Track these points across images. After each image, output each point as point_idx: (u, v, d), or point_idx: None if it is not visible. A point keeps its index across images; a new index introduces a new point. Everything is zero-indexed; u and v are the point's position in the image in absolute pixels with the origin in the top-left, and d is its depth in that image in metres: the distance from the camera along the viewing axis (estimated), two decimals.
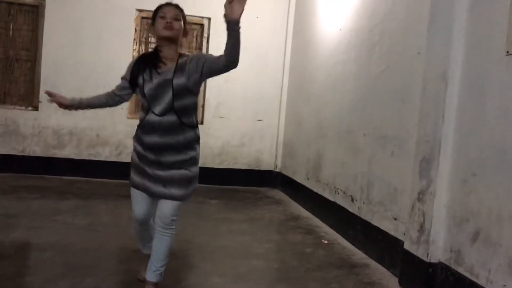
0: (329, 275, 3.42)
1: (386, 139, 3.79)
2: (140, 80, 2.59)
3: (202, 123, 6.72)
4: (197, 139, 2.67)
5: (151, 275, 2.68)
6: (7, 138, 6.31)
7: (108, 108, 7.10)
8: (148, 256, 2.82)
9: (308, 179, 5.65)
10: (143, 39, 6.68)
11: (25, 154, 6.34)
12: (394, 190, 3.61)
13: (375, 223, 3.84)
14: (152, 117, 2.55)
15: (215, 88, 6.65)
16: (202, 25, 6.74)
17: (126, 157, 6.61)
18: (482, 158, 2.65)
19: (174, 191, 2.60)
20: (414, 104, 3.35)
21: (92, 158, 6.51)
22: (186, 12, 5.97)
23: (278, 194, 6.52)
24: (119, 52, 6.50)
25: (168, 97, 2.52)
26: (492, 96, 2.61)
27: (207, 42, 6.71)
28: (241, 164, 6.88)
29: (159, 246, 2.65)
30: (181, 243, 3.90)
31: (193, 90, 2.58)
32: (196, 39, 6.79)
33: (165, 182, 2.60)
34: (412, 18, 3.55)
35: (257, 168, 6.94)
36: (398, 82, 3.69)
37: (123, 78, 2.76)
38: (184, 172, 2.61)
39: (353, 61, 4.58)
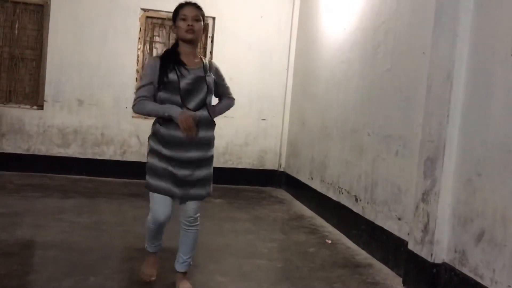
0: (333, 275, 3.42)
1: (390, 139, 3.78)
2: (174, 76, 2.61)
3: None
4: (214, 138, 2.84)
5: (180, 266, 2.87)
6: (12, 137, 6.33)
7: (112, 107, 7.14)
8: (150, 253, 2.99)
9: (312, 178, 5.64)
10: (148, 39, 6.69)
11: (30, 153, 6.36)
12: (398, 190, 3.60)
13: (379, 223, 3.83)
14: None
15: None
16: (206, 24, 6.74)
17: (131, 156, 6.66)
18: (487, 158, 2.63)
19: (200, 191, 2.74)
20: (418, 104, 3.33)
21: (97, 157, 6.53)
22: None
23: (282, 193, 6.52)
24: (124, 51, 6.52)
25: (203, 92, 2.66)
26: (497, 96, 2.60)
27: (212, 41, 6.71)
28: (245, 163, 6.88)
29: (186, 241, 2.82)
30: None
31: (215, 90, 2.81)
32: (201, 38, 6.78)
33: (192, 183, 2.70)
34: (417, 18, 3.54)
35: (261, 168, 6.94)
36: (402, 82, 3.68)
37: (149, 84, 2.66)
38: (208, 171, 2.76)
39: (357, 60, 4.57)
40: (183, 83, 2.61)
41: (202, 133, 2.69)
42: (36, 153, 6.38)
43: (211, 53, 6.70)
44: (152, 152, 2.73)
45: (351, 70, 4.70)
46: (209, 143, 2.75)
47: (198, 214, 2.82)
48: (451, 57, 2.91)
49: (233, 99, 2.94)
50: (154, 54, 6.72)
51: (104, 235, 3.94)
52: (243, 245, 4.03)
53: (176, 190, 2.68)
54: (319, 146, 5.50)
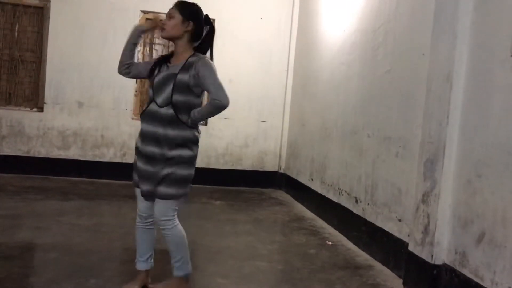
0: (333, 277, 3.41)
1: (390, 140, 3.78)
2: (156, 72, 2.70)
3: (206, 123, 6.72)
4: (194, 140, 2.67)
5: (173, 271, 2.80)
6: (12, 139, 6.34)
7: (112, 109, 7.14)
8: (140, 272, 2.86)
9: (312, 180, 5.64)
10: (148, 41, 6.70)
11: (30, 155, 6.37)
12: (398, 191, 3.60)
13: (380, 224, 3.83)
14: (153, 106, 2.63)
15: None
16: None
17: (131, 158, 6.58)
18: (486, 159, 2.63)
19: (162, 189, 2.61)
20: (418, 105, 3.34)
21: (97, 159, 6.53)
22: None
23: (282, 195, 6.51)
24: None
25: (169, 89, 2.60)
26: (497, 97, 2.60)
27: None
28: (245, 165, 6.88)
29: (168, 244, 2.74)
30: None
31: (193, 90, 2.64)
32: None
33: (155, 181, 2.62)
34: (416, 19, 3.54)
35: (261, 169, 6.94)
36: (402, 83, 3.68)
37: (145, 62, 2.91)
38: (174, 170, 2.61)
39: (357, 61, 4.57)
40: (156, 78, 2.66)
41: (163, 130, 2.58)
42: (36, 155, 6.38)
43: (211, 54, 6.70)
44: (135, 144, 2.77)
45: (351, 71, 4.70)
46: (171, 142, 2.59)
47: (165, 218, 2.65)
48: (450, 58, 2.92)
49: (215, 102, 2.59)
50: (154, 56, 6.73)
51: (105, 237, 3.94)
52: (243, 247, 4.03)
53: (142, 186, 2.68)
54: (319, 147, 5.50)
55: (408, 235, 3.31)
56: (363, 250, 4.03)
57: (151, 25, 2.82)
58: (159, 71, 2.68)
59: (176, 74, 2.60)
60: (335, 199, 4.84)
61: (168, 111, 2.59)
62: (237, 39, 6.66)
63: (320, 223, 4.99)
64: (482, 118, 2.70)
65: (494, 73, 2.64)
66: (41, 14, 6.42)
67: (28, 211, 4.60)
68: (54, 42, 6.36)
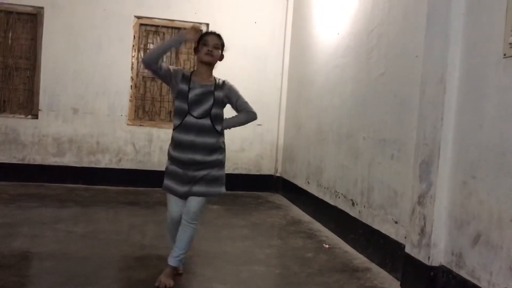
0: (331, 280, 3.41)
1: (385, 143, 3.79)
2: (185, 87, 3.02)
3: None
4: (224, 146, 3.11)
5: (171, 259, 3.07)
6: (7, 146, 6.31)
7: (107, 115, 7.13)
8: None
9: (308, 183, 5.65)
10: (142, 46, 6.70)
11: (25, 162, 6.35)
12: (394, 194, 3.61)
13: (376, 226, 3.84)
14: (190, 119, 2.99)
15: None
16: (200, 31, 6.75)
17: (126, 164, 6.65)
18: (481, 160, 2.65)
19: (200, 188, 3.00)
20: (413, 107, 3.35)
21: (92, 165, 6.51)
22: (185, 18, 6.02)
23: (279, 198, 6.51)
24: (118, 59, 6.52)
25: (208, 104, 3.01)
26: (490, 98, 2.61)
27: None
28: (242, 169, 6.88)
29: (182, 236, 3.04)
30: None
31: (224, 104, 3.10)
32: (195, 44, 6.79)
33: (193, 182, 3.00)
34: (409, 22, 3.56)
35: (257, 173, 6.95)
36: (396, 86, 3.69)
37: (171, 68, 3.09)
38: (210, 172, 3.01)
39: (351, 64, 4.59)
40: (192, 94, 3.00)
41: (202, 139, 2.98)
42: (31, 162, 6.36)
43: None
44: (167, 156, 3.14)
45: (345, 75, 4.72)
46: (210, 148, 3.01)
47: (198, 212, 3.04)
48: (444, 61, 2.93)
49: (251, 113, 3.14)
50: None
51: (101, 244, 3.92)
52: (241, 252, 4.03)
53: (178, 188, 3.03)
54: (315, 150, 5.51)
55: (405, 237, 3.32)
56: (360, 253, 4.04)
57: (194, 36, 3.06)
58: (191, 88, 3.01)
59: (213, 92, 3.02)
60: (331, 202, 4.84)
61: (206, 122, 2.99)
62: (232, 44, 6.60)
63: (317, 226, 4.99)
64: (476, 119, 2.72)
65: (487, 74, 2.65)
66: (34, 21, 6.41)
67: (24, 219, 4.58)
68: (48, 49, 6.35)
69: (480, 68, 2.72)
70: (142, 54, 6.69)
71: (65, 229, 4.30)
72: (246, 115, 3.14)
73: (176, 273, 3.17)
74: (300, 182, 5.97)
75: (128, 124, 6.58)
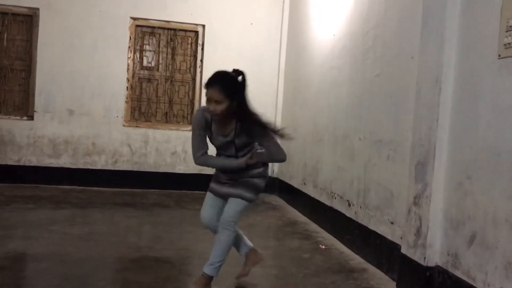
0: (327, 281, 3.42)
1: (381, 144, 3.80)
2: (209, 135, 3.00)
3: None
4: (262, 175, 3.06)
5: (206, 267, 2.97)
6: (3, 148, 6.29)
7: (103, 117, 7.12)
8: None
9: (305, 184, 5.65)
10: (138, 47, 6.70)
11: (21, 164, 6.32)
12: (390, 194, 3.62)
13: (372, 227, 3.85)
14: (223, 154, 3.03)
15: None
16: (196, 32, 6.76)
17: (122, 165, 6.64)
18: (476, 161, 2.66)
19: (235, 190, 2.96)
20: (408, 108, 3.36)
21: (88, 166, 6.50)
22: (181, 19, 6.03)
23: (276, 199, 6.52)
24: (114, 60, 6.51)
25: (232, 151, 2.97)
26: (485, 99, 2.63)
27: (202, 49, 6.72)
28: None
29: (216, 243, 2.98)
30: (179, 251, 3.90)
31: (249, 142, 2.98)
32: (191, 46, 6.80)
33: (231, 184, 3.01)
34: (405, 23, 3.57)
35: None
36: (392, 87, 3.70)
37: (198, 136, 3.01)
38: (250, 179, 2.99)
39: (347, 66, 4.60)
40: (217, 142, 2.98)
41: (238, 175, 3.00)
42: (27, 164, 6.34)
43: (201, 61, 6.71)
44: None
45: (341, 76, 4.73)
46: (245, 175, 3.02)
47: (232, 219, 2.94)
48: (439, 62, 2.94)
49: (280, 158, 3.12)
50: (145, 62, 6.73)
51: (97, 245, 3.91)
52: (237, 253, 4.01)
53: (217, 187, 3.05)
54: (311, 151, 5.52)
55: (401, 238, 3.32)
56: (356, 254, 4.04)
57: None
58: (217, 135, 2.96)
59: (233, 141, 2.93)
60: (328, 203, 4.85)
61: (237, 156, 2.97)
62: (228, 45, 6.68)
63: (314, 227, 5.00)
64: (471, 120, 2.73)
65: (482, 75, 2.67)
66: (30, 22, 6.39)
67: (19, 221, 4.56)
68: (43, 50, 6.33)
69: (475, 69, 2.73)
70: (138, 56, 6.69)
71: (61, 230, 4.29)
72: (271, 156, 3.05)
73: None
74: (296, 183, 5.97)
75: (124, 126, 6.57)
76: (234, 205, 2.95)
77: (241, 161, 2.96)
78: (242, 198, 2.96)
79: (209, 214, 3.07)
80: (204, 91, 2.94)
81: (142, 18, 6.60)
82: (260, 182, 3.05)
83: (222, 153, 3.02)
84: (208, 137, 3.01)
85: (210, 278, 2.97)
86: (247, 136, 2.92)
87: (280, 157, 3.06)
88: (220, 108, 2.79)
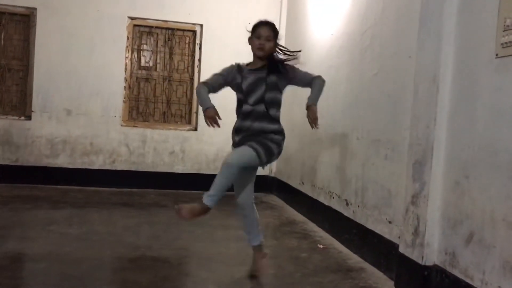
0: (325, 280, 3.42)
1: (379, 143, 3.80)
2: (239, 79, 3.12)
3: (196, 129, 6.72)
4: (282, 131, 3.19)
5: (204, 197, 3.18)
6: (0, 148, 6.27)
7: (101, 117, 7.10)
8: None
9: (303, 183, 5.65)
10: (136, 47, 6.69)
11: (18, 164, 6.31)
12: (388, 194, 3.62)
13: (370, 226, 3.85)
14: (246, 107, 3.10)
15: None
16: (194, 32, 6.76)
17: (120, 165, 6.63)
18: (474, 160, 2.66)
19: (251, 143, 3.01)
20: (406, 107, 3.36)
21: (86, 166, 6.49)
22: (179, 19, 5.99)
23: (273, 199, 6.52)
24: (112, 60, 6.50)
25: (261, 90, 3.06)
26: (483, 98, 2.63)
27: (200, 48, 6.72)
28: None
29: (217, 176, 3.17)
30: (177, 251, 3.90)
31: (280, 88, 3.14)
32: (189, 46, 6.80)
33: (248, 138, 3.08)
34: (402, 22, 3.57)
35: None
36: (390, 86, 3.71)
37: (218, 74, 3.17)
38: (266, 138, 3.07)
39: (345, 65, 4.60)
40: (245, 84, 3.09)
41: (258, 124, 3.08)
42: (25, 164, 6.32)
43: (199, 60, 6.71)
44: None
45: (339, 75, 4.73)
46: (263, 131, 3.09)
47: (234, 161, 2.99)
48: (437, 61, 2.94)
49: (317, 77, 3.24)
50: (142, 62, 6.73)
51: (95, 245, 3.91)
52: (235, 253, 4.02)
53: (236, 137, 3.19)
54: (309, 151, 5.52)
55: (399, 237, 3.33)
56: (354, 253, 4.04)
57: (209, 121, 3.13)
58: (244, 78, 3.10)
59: (265, 78, 3.06)
60: (325, 202, 4.85)
61: (260, 107, 3.07)
62: (226, 45, 6.67)
63: (311, 226, 5.00)
64: (469, 119, 2.73)
65: (479, 74, 2.67)
66: (27, 22, 6.38)
67: (17, 221, 4.56)
68: (41, 50, 6.32)
69: (472, 68, 2.73)
70: (135, 55, 6.68)
71: (59, 230, 4.28)
72: (316, 81, 3.22)
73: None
74: (294, 183, 5.98)
75: (122, 125, 6.57)
76: (239, 149, 3.05)
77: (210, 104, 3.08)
78: (249, 146, 3.04)
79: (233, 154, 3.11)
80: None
81: (140, 17, 6.59)
82: (274, 146, 3.10)
83: (247, 101, 3.08)
84: (237, 84, 3.11)
85: (205, 209, 3.09)
86: (280, 78, 3.09)
87: (320, 80, 3.25)
88: (268, 45, 3.06)
